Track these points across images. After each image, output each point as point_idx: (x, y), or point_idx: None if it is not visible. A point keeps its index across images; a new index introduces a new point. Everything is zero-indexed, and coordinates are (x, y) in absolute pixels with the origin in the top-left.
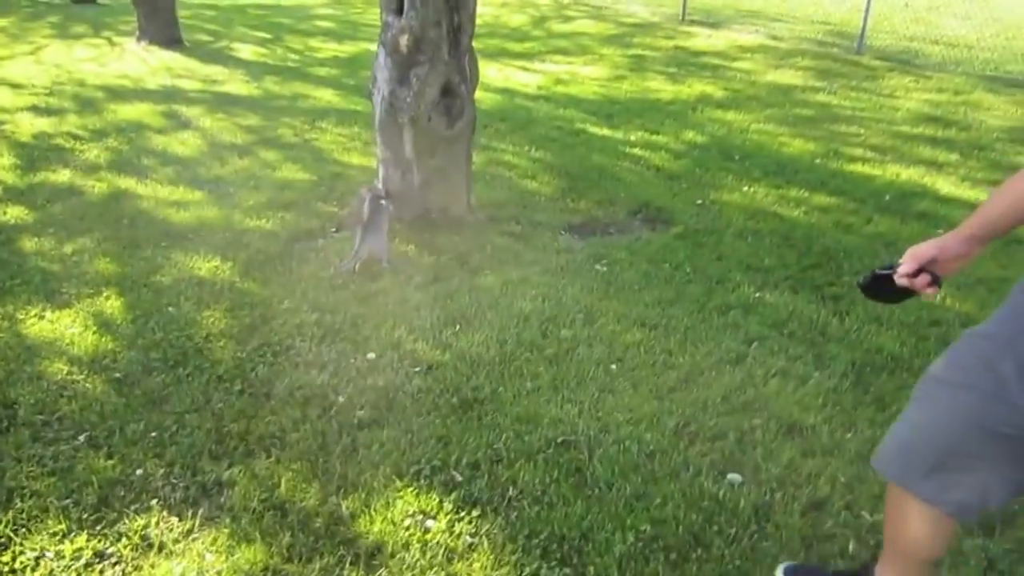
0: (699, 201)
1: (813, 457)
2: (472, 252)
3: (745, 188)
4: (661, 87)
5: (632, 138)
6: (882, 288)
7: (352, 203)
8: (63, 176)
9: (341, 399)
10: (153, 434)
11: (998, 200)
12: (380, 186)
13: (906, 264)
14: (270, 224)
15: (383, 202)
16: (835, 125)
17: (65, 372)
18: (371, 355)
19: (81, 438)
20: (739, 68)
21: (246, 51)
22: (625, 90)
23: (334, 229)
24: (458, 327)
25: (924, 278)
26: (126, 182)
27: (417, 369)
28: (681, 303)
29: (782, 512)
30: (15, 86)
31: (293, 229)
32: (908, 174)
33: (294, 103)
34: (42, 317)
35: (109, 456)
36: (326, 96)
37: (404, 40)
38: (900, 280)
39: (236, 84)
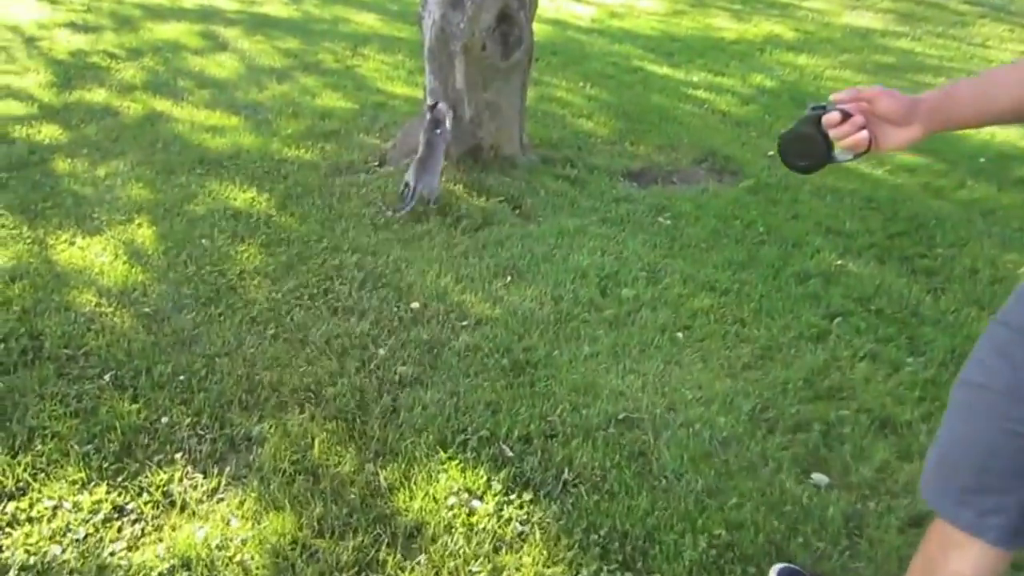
0: (770, 152)
1: (910, 461)
2: (524, 196)
3: None
4: (725, 25)
5: (694, 79)
6: (805, 144)
7: (397, 136)
8: (98, 96)
9: (381, 351)
10: (181, 378)
11: (972, 84)
12: (443, 107)
13: (844, 94)
14: (309, 155)
15: (439, 131)
16: (920, 75)
17: (93, 304)
18: (415, 304)
19: (107, 377)
20: (811, 7)
21: None
22: (685, 27)
23: (377, 163)
24: (509, 279)
25: (856, 123)
26: (162, 104)
27: (464, 323)
28: (754, 267)
29: (876, 526)
30: (53, 2)
31: (334, 161)
32: (1005, 135)
33: (335, 27)
34: (72, 243)
35: (134, 399)
36: (368, 21)
37: None
38: (829, 125)
39: (275, 6)
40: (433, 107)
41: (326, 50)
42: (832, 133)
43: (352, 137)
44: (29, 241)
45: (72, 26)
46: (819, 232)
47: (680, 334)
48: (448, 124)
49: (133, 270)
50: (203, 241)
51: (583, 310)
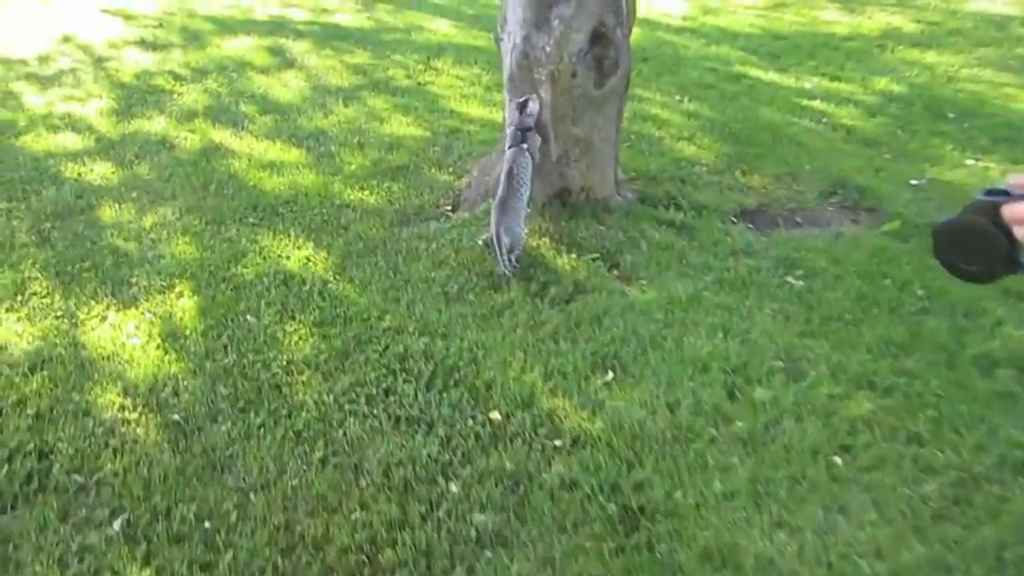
0: (913, 181)
1: None
2: (623, 250)
3: (971, 162)
4: (834, 18)
5: (807, 86)
6: (976, 242)
7: (473, 173)
8: (156, 126)
9: (454, 488)
10: (207, 525)
11: None
12: (534, 105)
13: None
14: (374, 197)
15: (526, 148)
16: None
17: (117, 406)
18: (495, 415)
19: (117, 524)
20: None
21: None
22: (789, 21)
23: (449, 206)
24: (611, 375)
25: None
26: (220, 134)
27: (558, 444)
28: (919, 349)
29: None
30: (128, 17)
31: (401, 205)
32: None
33: (408, 36)
34: (104, 318)
35: (147, 559)
36: (443, 28)
37: None
38: (1015, 219)
39: (348, 13)
40: (523, 104)
41: (397, 64)
42: (1020, 233)
43: (422, 173)
44: (59, 314)
45: (142, 43)
46: (994, 294)
47: (838, 459)
48: (535, 143)
49: (166, 358)
50: (248, 318)
51: (707, 422)
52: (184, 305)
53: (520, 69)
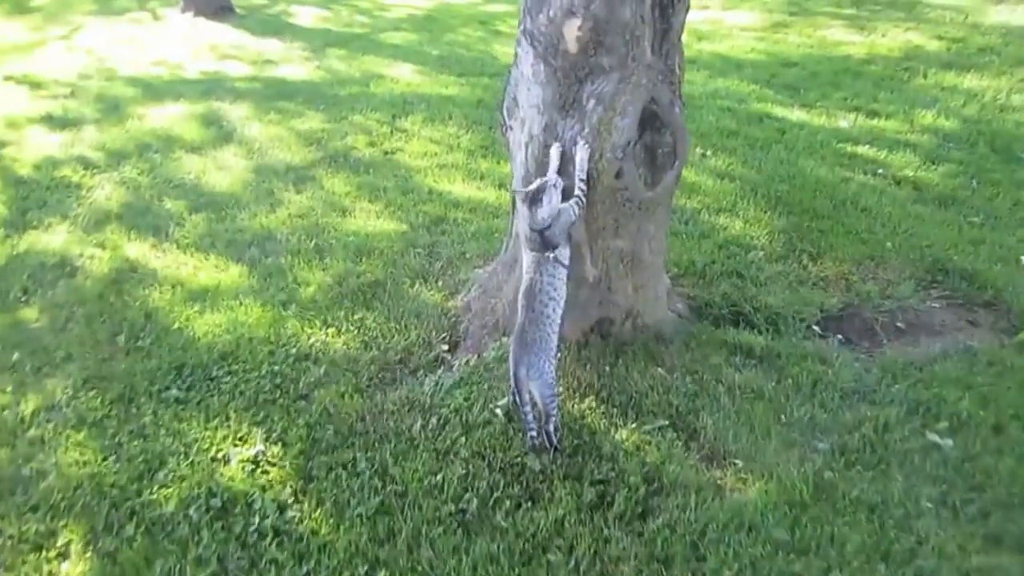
0: None
1: None
2: (697, 406)
3: None
4: (844, 37)
5: (843, 124)
6: None
7: (471, 288)
8: (56, 238)
9: None
10: None
11: None
12: (548, 195)
13: None
14: (343, 339)
15: (553, 257)
16: None
17: None
18: None
19: None
20: (944, 3)
21: (306, 16)
22: (795, 44)
23: (446, 346)
24: None
25: None
26: (138, 247)
27: None
28: None
29: None
30: (35, 85)
31: (380, 349)
32: None
33: (366, 89)
34: None
35: None
36: (405, 76)
37: (575, 29)
38: None
39: (294, 64)
40: (535, 196)
41: (357, 128)
42: None
43: (403, 292)
44: None
45: (48, 120)
46: None
47: None
48: (563, 243)
49: None
50: None
51: None
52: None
53: (540, 170)
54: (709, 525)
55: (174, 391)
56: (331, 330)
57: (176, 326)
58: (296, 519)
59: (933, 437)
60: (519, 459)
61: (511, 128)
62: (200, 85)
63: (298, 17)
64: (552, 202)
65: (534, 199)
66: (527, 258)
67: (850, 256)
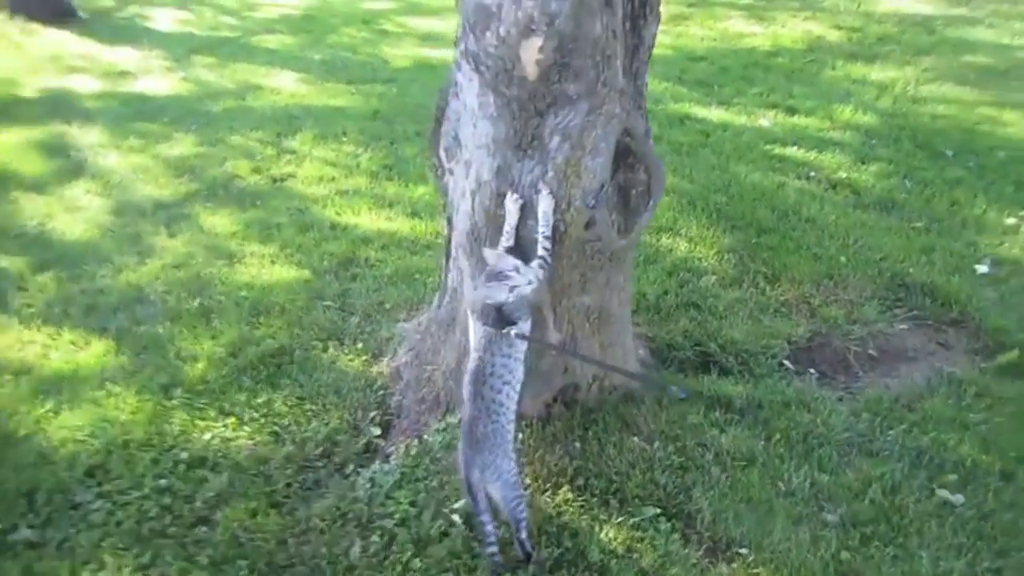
0: (979, 267)
1: None
2: (686, 483)
3: (1013, 220)
4: (745, 29)
5: (763, 123)
6: None
7: (398, 346)
8: None
9: None
10: None
11: None
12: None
13: None
14: (247, 431)
15: (509, 332)
16: None
17: None
18: None
19: None
20: None
21: (163, 19)
22: (699, 37)
23: (377, 429)
24: None
25: None
26: None
27: None
28: None
29: None
30: None
31: (296, 441)
32: None
33: (243, 102)
34: None
35: None
36: (287, 85)
37: (534, 51)
38: None
39: (154, 76)
40: (496, 272)
41: (237, 150)
42: None
43: (315, 362)
44: None
45: None
46: None
47: None
48: (523, 316)
49: None
50: None
51: None
52: None
53: (492, 220)
54: None
55: (24, 531)
56: (230, 421)
57: (22, 433)
58: None
59: (943, 494)
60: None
61: (449, 170)
62: (41, 105)
63: (154, 20)
64: (517, 279)
65: (496, 273)
66: (475, 331)
67: (807, 276)
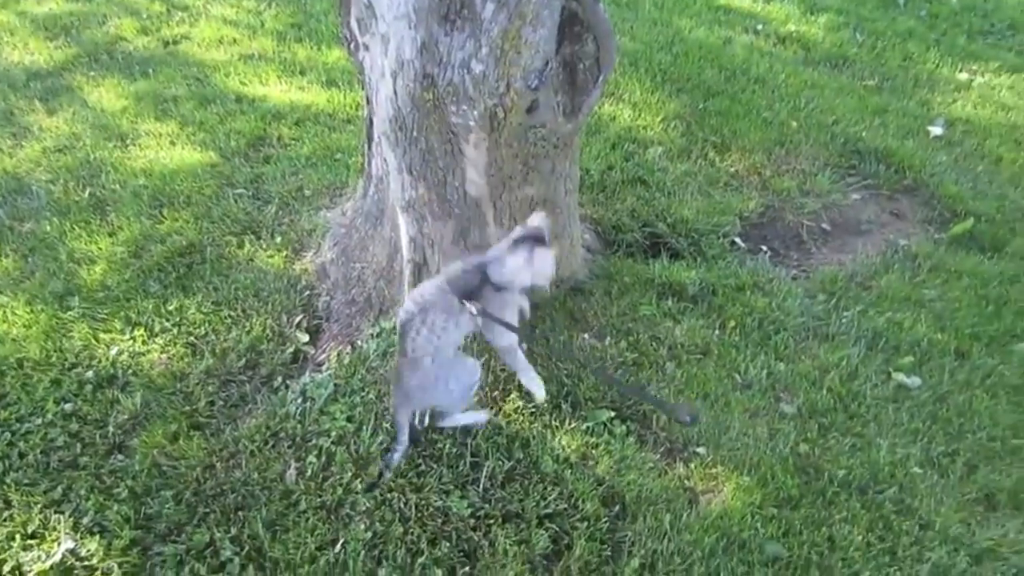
0: (932, 128)
1: None
2: (637, 383)
3: (966, 75)
4: None
5: None
6: None
7: (321, 240)
8: None
9: None
10: None
11: None
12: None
13: None
14: (158, 347)
15: (473, 311)
16: None
17: None
18: None
19: None
20: None
21: None
22: None
23: (305, 335)
24: None
25: None
26: None
27: None
28: None
29: None
30: None
31: (215, 356)
32: None
33: None
34: None
35: None
36: None
37: None
38: None
39: None
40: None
41: (119, 6)
42: None
43: (230, 260)
44: None
45: None
46: None
47: None
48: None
49: None
50: None
51: None
52: None
53: (419, 107)
54: (693, 554)
55: None
56: (138, 333)
57: None
58: None
59: (900, 377)
60: (441, 502)
61: (365, 48)
62: None
63: None
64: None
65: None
66: (430, 286)
67: (758, 144)
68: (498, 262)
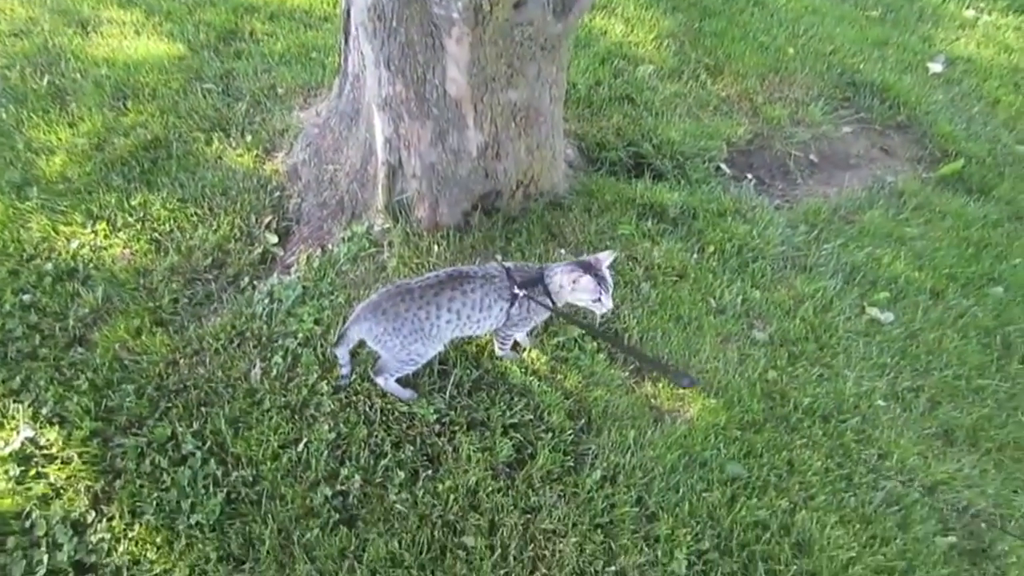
0: (932, 65)
1: None
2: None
3: (971, 12)
4: None
5: None
6: None
7: (293, 140)
8: None
9: None
10: None
11: None
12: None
13: None
14: (121, 242)
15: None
16: None
17: None
18: None
19: None
20: None
21: None
22: None
23: (273, 236)
24: None
25: None
26: None
27: None
28: None
29: None
30: None
31: (180, 254)
32: None
33: None
34: None
35: None
36: None
37: None
38: None
39: None
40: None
41: None
42: None
43: (198, 157)
44: None
45: None
46: None
47: None
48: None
49: None
50: None
51: None
52: None
53: (396, 3)
54: (654, 469)
55: None
56: (101, 227)
57: None
58: (104, 544)
59: (873, 312)
60: (407, 407)
61: None
62: None
63: None
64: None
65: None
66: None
67: (752, 69)
68: (552, 272)
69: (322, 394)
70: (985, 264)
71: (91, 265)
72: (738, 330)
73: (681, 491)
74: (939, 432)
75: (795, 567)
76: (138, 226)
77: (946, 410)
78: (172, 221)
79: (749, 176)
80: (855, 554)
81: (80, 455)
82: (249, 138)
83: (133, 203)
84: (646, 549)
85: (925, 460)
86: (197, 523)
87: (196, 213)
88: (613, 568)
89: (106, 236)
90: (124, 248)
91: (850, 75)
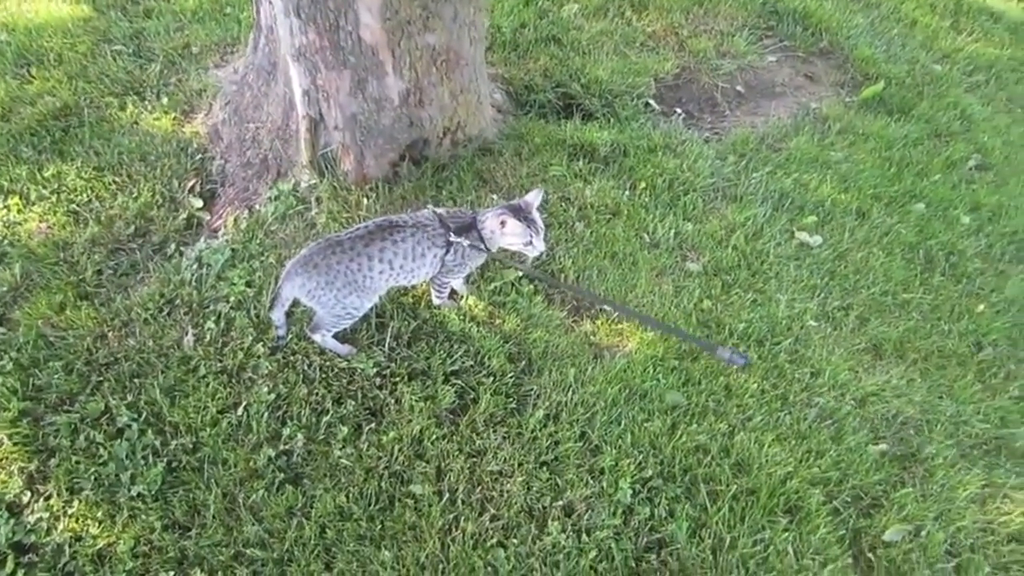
0: None
1: None
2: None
3: None
4: None
5: None
6: None
7: (211, 99)
8: None
9: None
10: None
11: None
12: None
13: None
14: (36, 215)
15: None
16: None
17: None
18: None
19: None
20: None
21: None
22: None
23: (198, 201)
24: None
25: None
26: None
27: None
28: None
29: None
30: None
31: (100, 224)
32: None
33: None
34: None
35: None
36: None
37: None
38: None
39: None
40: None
41: None
42: None
43: (112, 123)
44: None
45: None
46: None
47: None
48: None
49: None
50: None
51: None
52: None
53: None
54: (596, 405)
55: None
56: (13, 201)
57: None
58: (42, 523)
59: (802, 236)
60: (346, 363)
61: None
62: None
63: None
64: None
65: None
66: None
67: (677, 3)
68: (484, 218)
69: (259, 356)
70: (907, 182)
71: (5, 241)
72: (672, 263)
73: (623, 423)
74: (868, 347)
75: (736, 486)
76: (53, 198)
77: (874, 325)
78: (89, 191)
79: (678, 111)
80: (792, 469)
81: (11, 436)
82: (165, 100)
83: (46, 175)
84: (591, 482)
85: (855, 375)
86: (139, 494)
87: (115, 181)
88: (560, 503)
89: (19, 211)
90: (40, 222)
91: (772, 4)
